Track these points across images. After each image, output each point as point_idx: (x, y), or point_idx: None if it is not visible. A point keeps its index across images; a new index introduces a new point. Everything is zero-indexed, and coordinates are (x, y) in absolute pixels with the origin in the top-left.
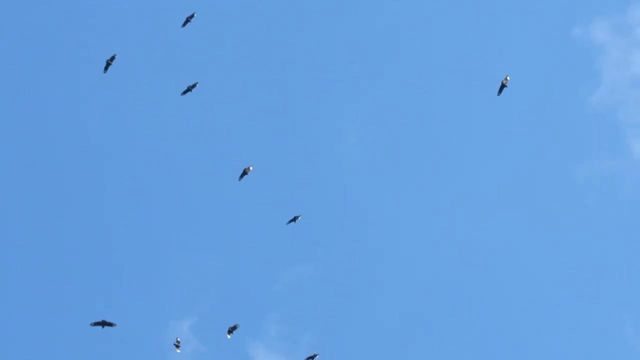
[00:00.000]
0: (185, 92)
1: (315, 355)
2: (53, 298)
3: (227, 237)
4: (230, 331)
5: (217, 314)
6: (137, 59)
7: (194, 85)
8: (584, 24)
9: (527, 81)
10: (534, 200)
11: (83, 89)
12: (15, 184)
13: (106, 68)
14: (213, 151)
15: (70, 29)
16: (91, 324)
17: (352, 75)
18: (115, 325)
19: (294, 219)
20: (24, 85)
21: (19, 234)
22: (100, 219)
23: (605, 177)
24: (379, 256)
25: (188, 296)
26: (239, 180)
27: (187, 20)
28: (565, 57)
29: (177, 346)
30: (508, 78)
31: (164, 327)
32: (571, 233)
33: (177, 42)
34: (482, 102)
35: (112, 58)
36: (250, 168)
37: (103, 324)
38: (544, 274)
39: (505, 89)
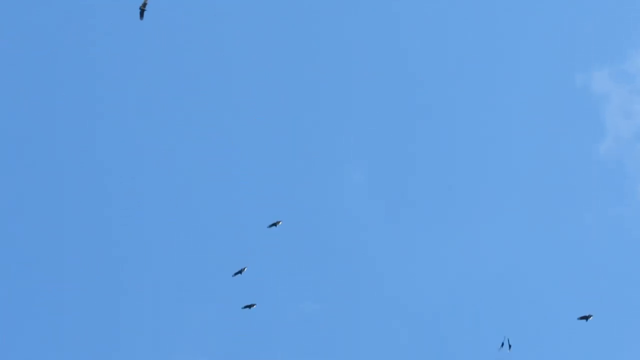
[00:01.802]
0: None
1: (243, 269)
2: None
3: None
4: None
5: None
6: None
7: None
8: (586, 72)
9: (531, 128)
10: (548, 246)
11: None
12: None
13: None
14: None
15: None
16: None
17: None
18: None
19: (275, 224)
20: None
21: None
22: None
23: (614, 222)
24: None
25: (199, 336)
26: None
27: (142, 11)
28: (568, 106)
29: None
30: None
31: None
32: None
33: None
34: (490, 148)
35: (144, 4)
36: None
37: None
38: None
39: None
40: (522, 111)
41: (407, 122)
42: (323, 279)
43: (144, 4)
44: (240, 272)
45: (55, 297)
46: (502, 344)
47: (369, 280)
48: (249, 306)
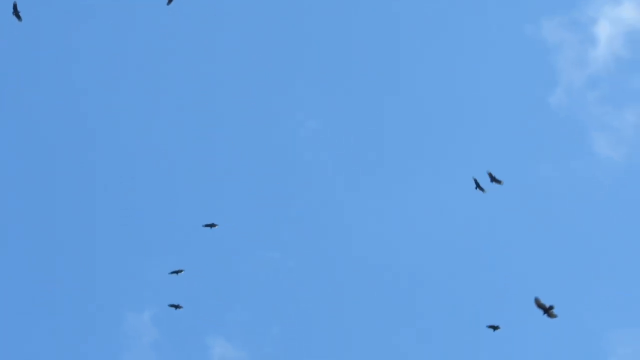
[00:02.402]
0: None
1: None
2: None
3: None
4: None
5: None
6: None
7: None
8: (535, 22)
9: (483, 83)
10: (500, 201)
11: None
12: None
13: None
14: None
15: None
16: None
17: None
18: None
19: (211, 226)
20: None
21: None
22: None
23: (571, 177)
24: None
25: (149, 288)
26: None
27: None
28: (520, 56)
29: None
30: None
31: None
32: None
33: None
34: (440, 104)
35: None
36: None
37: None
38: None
39: None
40: (472, 64)
41: (368, 78)
42: (285, 230)
43: None
44: (210, 225)
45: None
46: (476, 186)
47: (333, 232)
48: (210, 225)
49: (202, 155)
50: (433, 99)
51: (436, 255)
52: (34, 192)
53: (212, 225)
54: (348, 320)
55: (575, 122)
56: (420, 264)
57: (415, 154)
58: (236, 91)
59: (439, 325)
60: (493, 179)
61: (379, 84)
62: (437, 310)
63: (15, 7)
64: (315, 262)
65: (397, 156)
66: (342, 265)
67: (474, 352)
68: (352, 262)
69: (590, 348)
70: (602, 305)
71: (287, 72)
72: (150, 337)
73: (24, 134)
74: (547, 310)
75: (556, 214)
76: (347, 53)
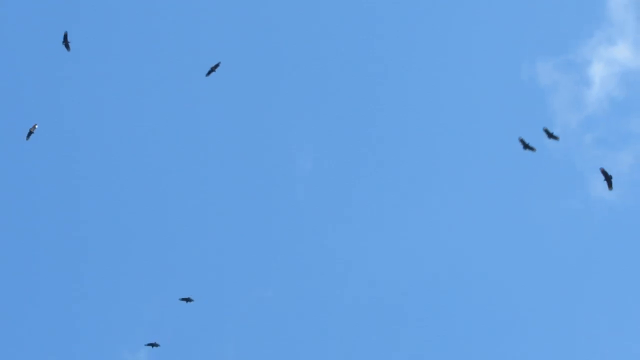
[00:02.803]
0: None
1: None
2: None
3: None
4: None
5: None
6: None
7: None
8: (531, 63)
9: (479, 125)
10: (496, 240)
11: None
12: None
13: None
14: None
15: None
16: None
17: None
18: None
19: (187, 300)
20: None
21: None
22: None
23: (566, 217)
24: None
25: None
26: None
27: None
28: (515, 98)
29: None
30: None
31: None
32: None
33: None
34: (435, 147)
35: None
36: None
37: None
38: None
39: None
40: (468, 104)
41: (356, 109)
42: (276, 267)
43: None
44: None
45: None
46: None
47: (323, 269)
48: (186, 299)
49: (195, 193)
50: (427, 141)
51: (429, 292)
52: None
53: (188, 300)
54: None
55: (572, 164)
56: (414, 303)
57: (408, 194)
58: (226, 128)
59: None
60: (526, 145)
61: (368, 123)
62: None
63: (65, 37)
64: (307, 300)
65: (389, 194)
66: (335, 303)
67: None
68: (344, 300)
69: None
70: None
71: (280, 107)
72: None
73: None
74: (608, 179)
75: (551, 254)
76: (335, 90)
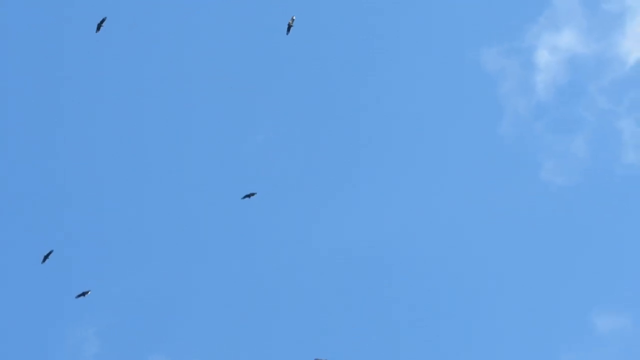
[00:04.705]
0: None
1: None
2: None
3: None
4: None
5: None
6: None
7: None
8: (476, 49)
9: (427, 112)
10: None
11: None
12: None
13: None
14: None
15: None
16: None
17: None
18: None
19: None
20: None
21: None
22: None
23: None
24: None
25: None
26: None
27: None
28: (464, 85)
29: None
30: (294, 18)
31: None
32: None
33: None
34: (382, 143)
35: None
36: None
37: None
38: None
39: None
40: (416, 93)
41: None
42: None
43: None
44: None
45: None
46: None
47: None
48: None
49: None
50: (378, 131)
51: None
52: None
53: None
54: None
55: (524, 150)
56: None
57: (358, 186)
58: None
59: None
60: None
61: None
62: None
63: (102, 21)
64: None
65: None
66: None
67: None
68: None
69: None
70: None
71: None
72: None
73: None
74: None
75: (507, 238)
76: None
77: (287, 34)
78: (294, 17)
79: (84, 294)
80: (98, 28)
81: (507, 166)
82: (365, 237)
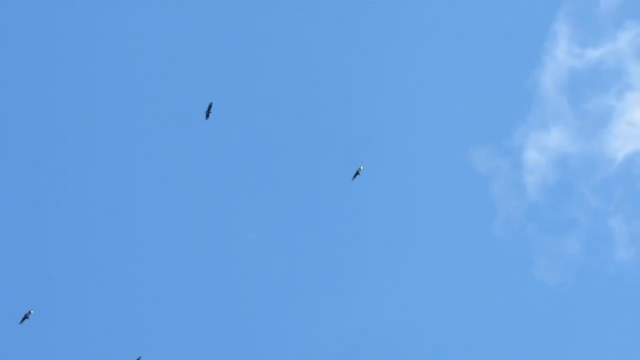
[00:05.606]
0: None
1: None
2: None
3: None
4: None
5: None
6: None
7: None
8: (467, 148)
9: (424, 209)
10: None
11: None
12: None
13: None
14: None
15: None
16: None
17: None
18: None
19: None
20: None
21: None
22: None
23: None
24: None
25: None
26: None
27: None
28: (457, 185)
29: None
30: (362, 167)
31: None
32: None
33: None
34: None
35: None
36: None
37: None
38: None
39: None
40: (410, 194)
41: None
42: None
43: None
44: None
45: None
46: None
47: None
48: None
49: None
50: (370, 240)
51: None
52: None
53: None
54: None
55: (517, 251)
56: None
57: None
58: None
59: None
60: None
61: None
62: None
63: (210, 108)
64: None
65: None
66: None
67: None
68: None
69: None
70: None
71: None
72: None
73: None
74: None
75: (504, 340)
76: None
77: (352, 179)
78: (362, 167)
79: (26, 316)
80: (207, 115)
81: (500, 266)
82: (365, 335)
